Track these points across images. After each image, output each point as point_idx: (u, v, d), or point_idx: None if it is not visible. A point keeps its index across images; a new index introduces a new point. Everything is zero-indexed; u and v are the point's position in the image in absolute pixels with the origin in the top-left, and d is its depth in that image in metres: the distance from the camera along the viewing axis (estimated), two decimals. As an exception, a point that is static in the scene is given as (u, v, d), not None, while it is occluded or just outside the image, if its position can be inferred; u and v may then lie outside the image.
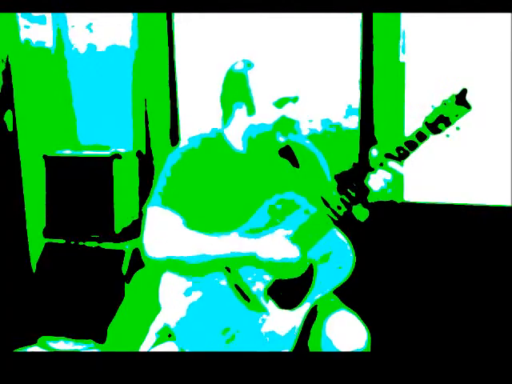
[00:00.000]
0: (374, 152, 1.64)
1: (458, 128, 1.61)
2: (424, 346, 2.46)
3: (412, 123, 2.46)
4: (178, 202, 1.68)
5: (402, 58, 2.53)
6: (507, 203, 2.39)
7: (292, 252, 1.64)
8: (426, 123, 1.61)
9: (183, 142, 1.78)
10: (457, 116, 1.60)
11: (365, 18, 2.52)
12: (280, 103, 1.67)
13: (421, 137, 1.61)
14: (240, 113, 1.73)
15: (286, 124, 1.69)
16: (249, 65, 1.70)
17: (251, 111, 1.69)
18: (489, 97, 2.35)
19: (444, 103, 1.60)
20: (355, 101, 2.61)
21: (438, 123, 1.60)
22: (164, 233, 1.66)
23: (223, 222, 1.69)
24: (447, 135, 1.62)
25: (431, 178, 2.50)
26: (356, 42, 2.56)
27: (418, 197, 2.56)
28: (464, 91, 1.59)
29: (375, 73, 2.54)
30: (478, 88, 2.36)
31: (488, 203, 2.43)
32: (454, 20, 2.41)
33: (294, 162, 1.83)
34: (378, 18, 2.50)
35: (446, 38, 2.46)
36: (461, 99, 1.59)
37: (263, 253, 1.63)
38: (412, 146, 1.61)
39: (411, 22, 2.50)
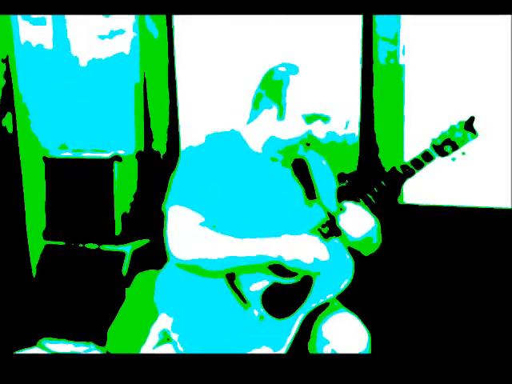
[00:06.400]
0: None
1: (463, 153, 1.68)
2: (424, 348, 2.47)
3: (412, 122, 2.50)
4: (198, 201, 1.63)
5: (402, 60, 2.54)
6: (507, 205, 2.39)
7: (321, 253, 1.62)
8: (433, 145, 1.67)
9: (200, 139, 1.74)
10: (463, 141, 1.66)
11: (365, 20, 2.53)
12: (310, 118, 1.65)
13: (427, 157, 1.67)
14: (268, 113, 1.70)
15: (310, 141, 1.68)
16: (292, 70, 1.68)
17: (281, 115, 1.67)
18: (489, 98, 2.36)
19: (452, 128, 1.67)
20: (355, 107, 2.60)
21: (444, 147, 1.67)
22: (190, 234, 1.62)
23: (240, 222, 1.66)
24: (453, 158, 1.68)
25: (431, 179, 2.50)
26: (356, 44, 2.57)
27: (417, 199, 2.56)
28: (472, 119, 1.66)
29: (375, 76, 2.55)
30: (478, 89, 2.39)
31: (488, 205, 2.43)
32: (453, 21, 2.41)
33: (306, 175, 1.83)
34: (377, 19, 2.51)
35: (446, 40, 2.46)
36: (468, 126, 1.66)
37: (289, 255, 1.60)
38: (418, 165, 1.67)
39: (411, 24, 2.51)
